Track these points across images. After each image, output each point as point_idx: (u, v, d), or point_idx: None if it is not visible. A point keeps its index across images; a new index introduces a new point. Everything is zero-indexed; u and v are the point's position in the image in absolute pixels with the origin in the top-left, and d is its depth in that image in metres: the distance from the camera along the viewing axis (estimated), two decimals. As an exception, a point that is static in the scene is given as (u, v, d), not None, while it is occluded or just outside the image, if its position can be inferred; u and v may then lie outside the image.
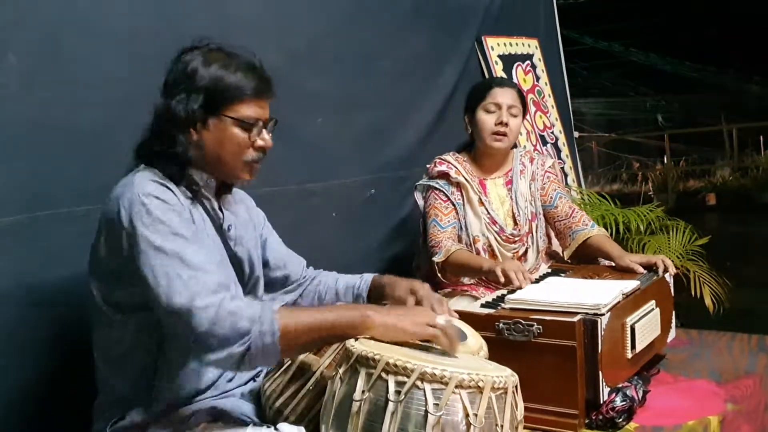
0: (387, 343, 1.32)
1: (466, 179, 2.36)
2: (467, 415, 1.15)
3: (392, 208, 2.92)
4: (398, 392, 1.16)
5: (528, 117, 3.53)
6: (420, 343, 1.40)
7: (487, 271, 2.08)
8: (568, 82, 4.36)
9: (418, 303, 1.57)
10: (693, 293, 3.28)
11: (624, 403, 1.64)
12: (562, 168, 3.84)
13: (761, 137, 12.96)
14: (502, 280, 1.97)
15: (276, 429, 1.36)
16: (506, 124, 2.32)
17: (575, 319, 1.62)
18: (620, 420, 1.63)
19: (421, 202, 2.47)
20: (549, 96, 3.97)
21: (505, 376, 1.22)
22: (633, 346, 1.75)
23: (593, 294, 1.73)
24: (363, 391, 1.19)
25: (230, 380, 1.52)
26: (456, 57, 3.35)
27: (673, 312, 2.08)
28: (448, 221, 2.33)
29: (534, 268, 2.35)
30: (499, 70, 3.57)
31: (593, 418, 1.64)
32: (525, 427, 1.35)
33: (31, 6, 1.71)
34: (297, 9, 2.52)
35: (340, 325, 1.31)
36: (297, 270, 1.77)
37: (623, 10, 13.30)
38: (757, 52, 13.04)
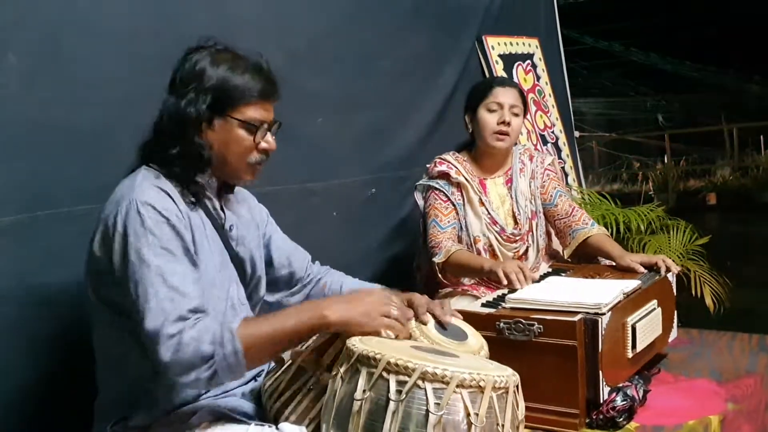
0: (388, 342, 1.32)
1: (466, 179, 2.36)
2: (468, 415, 1.15)
3: (392, 208, 2.92)
4: (399, 391, 1.15)
5: (528, 116, 3.53)
6: (420, 343, 1.40)
7: (488, 271, 2.08)
8: (568, 81, 4.36)
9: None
10: (693, 293, 3.28)
11: (625, 402, 1.64)
12: (563, 168, 3.84)
13: (761, 137, 12.95)
14: (505, 282, 1.97)
15: (277, 428, 1.36)
16: (508, 124, 2.31)
17: (576, 318, 1.62)
18: (621, 419, 1.63)
19: (421, 203, 2.47)
20: (549, 95, 3.97)
21: (506, 375, 1.22)
22: (634, 346, 1.75)
23: (594, 293, 1.73)
24: (364, 391, 1.18)
25: (231, 380, 1.52)
26: (456, 57, 3.35)
27: (675, 312, 2.08)
28: (448, 222, 2.33)
29: (534, 266, 2.35)
30: (499, 70, 3.57)
31: (594, 417, 1.64)
32: (526, 427, 1.35)
33: (31, 6, 1.71)
34: (297, 9, 2.52)
35: (302, 330, 1.33)
36: (302, 266, 1.76)
37: (623, 10, 13.30)
38: (757, 52, 13.04)
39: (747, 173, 12.01)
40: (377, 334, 1.35)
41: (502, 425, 1.19)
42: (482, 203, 2.36)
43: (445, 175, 2.37)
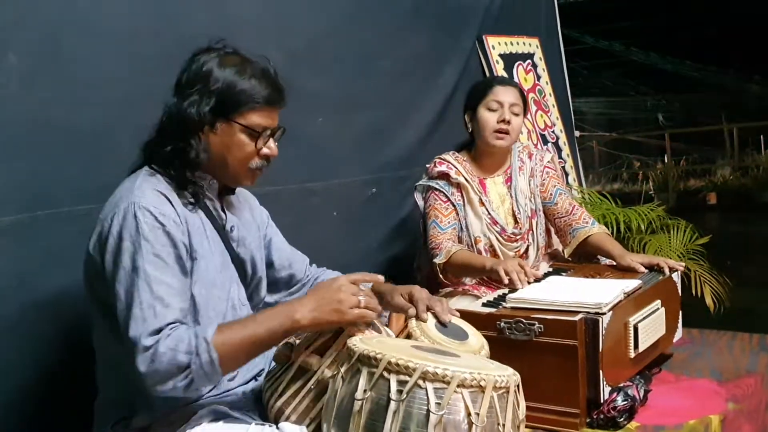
0: (389, 341, 1.32)
1: (466, 179, 2.36)
2: (469, 414, 1.15)
3: (392, 208, 2.92)
4: (400, 391, 1.15)
5: (529, 116, 3.53)
6: (421, 342, 1.40)
7: (489, 270, 2.07)
8: (568, 81, 4.37)
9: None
10: (694, 292, 3.27)
11: (625, 402, 1.64)
12: (563, 167, 3.84)
13: (762, 137, 12.94)
14: (506, 281, 1.96)
15: (278, 428, 1.36)
16: (508, 122, 2.31)
17: (576, 318, 1.61)
18: (621, 419, 1.63)
19: (421, 203, 2.46)
20: (550, 95, 3.97)
21: (507, 375, 1.22)
22: (636, 346, 1.74)
23: (594, 293, 1.73)
24: (365, 390, 1.18)
25: (232, 379, 1.52)
26: (456, 57, 3.35)
27: (680, 312, 2.07)
28: (448, 222, 2.33)
29: (534, 265, 2.34)
30: (500, 69, 3.57)
31: (594, 417, 1.63)
32: (526, 426, 1.35)
33: (31, 6, 1.71)
34: (297, 9, 2.52)
35: (275, 336, 1.35)
36: (301, 268, 1.77)
37: (624, 10, 13.29)
38: (757, 52, 13.02)
39: (747, 173, 11.99)
40: (354, 324, 1.38)
41: (503, 425, 1.19)
42: (482, 203, 2.35)
43: (445, 176, 2.37)
